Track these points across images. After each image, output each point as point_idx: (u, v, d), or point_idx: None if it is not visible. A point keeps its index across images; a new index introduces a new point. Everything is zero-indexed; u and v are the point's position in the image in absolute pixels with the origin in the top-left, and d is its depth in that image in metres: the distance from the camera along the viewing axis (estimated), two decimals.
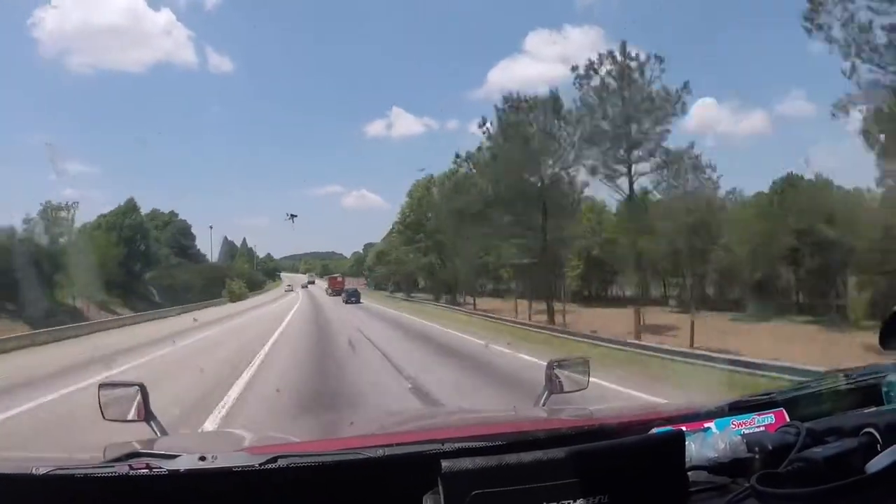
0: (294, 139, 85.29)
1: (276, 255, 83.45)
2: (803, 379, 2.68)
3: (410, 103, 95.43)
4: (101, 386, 1.86)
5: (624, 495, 0.91)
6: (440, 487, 0.88)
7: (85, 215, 38.27)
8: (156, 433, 1.78)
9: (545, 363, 2.09)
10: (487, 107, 61.65)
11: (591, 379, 2.06)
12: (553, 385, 1.98)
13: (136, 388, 1.83)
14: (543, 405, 1.97)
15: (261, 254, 76.36)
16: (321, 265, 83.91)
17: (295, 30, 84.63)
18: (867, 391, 1.40)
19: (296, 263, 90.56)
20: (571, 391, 2.00)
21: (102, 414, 1.82)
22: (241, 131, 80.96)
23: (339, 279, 51.45)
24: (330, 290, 49.46)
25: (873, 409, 1.32)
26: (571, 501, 0.88)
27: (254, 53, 79.64)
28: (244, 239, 72.34)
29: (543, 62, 60.35)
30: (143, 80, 66.56)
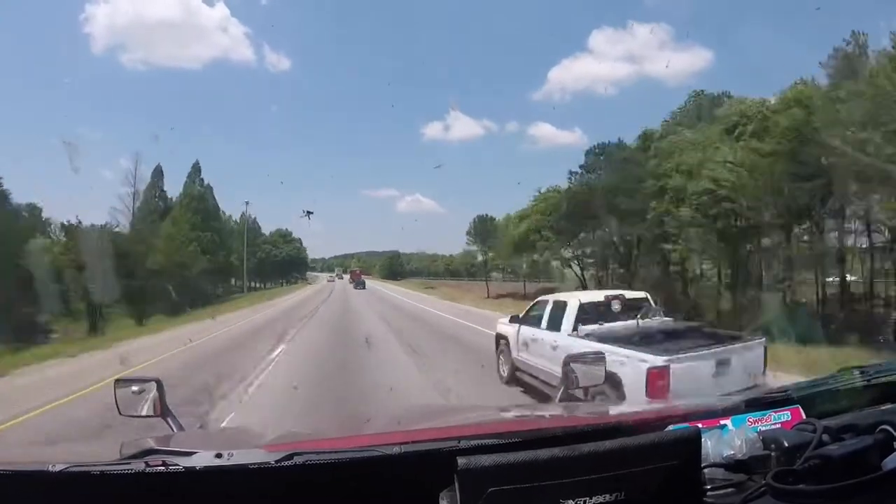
0: (349, 140, 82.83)
1: (328, 255, 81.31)
2: None
3: (469, 104, 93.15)
4: (117, 382, 1.84)
5: (640, 492, 0.92)
6: (456, 484, 0.88)
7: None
8: (172, 429, 1.79)
9: None
10: (548, 108, 59.10)
11: None
12: (570, 381, 1.98)
13: (153, 383, 1.82)
14: (560, 401, 1.97)
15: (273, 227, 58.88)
16: (380, 262, 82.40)
17: (352, 28, 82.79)
18: (883, 388, 1.40)
19: (346, 261, 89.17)
20: (588, 386, 1.99)
21: (119, 410, 1.81)
22: (296, 131, 79.42)
23: (358, 272, 64.72)
24: (351, 281, 60.92)
25: (889, 406, 1.31)
26: (588, 498, 0.89)
27: (311, 52, 77.39)
28: (196, 167, 38.79)
29: (608, 61, 57.47)
30: (197, 77, 65.18)
